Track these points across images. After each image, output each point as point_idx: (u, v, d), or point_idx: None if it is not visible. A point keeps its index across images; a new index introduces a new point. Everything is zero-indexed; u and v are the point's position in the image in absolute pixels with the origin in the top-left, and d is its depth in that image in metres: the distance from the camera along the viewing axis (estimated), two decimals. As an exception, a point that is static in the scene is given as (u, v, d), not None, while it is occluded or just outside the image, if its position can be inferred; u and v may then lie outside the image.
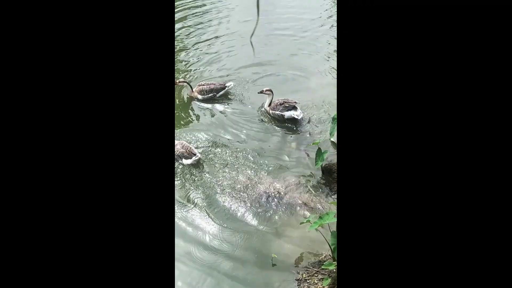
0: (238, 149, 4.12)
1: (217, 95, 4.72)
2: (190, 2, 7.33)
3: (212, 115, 4.64)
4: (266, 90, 4.43)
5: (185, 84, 4.74)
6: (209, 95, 4.67)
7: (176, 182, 3.76)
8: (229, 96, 4.87)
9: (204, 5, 7.27)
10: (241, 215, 3.51)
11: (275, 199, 3.63)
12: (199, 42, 6.10)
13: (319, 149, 3.59)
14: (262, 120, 4.53)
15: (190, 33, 6.40)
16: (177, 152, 3.86)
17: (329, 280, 2.86)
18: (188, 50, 5.93)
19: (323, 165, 3.70)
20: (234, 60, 5.64)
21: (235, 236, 3.34)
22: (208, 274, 3.04)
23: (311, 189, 3.72)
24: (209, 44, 6.03)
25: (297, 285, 2.96)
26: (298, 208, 3.54)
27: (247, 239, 3.33)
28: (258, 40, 5.96)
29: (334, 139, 3.97)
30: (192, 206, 3.58)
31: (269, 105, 4.44)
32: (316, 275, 3.04)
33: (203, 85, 4.73)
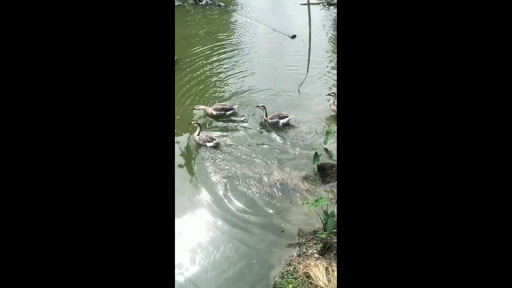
0: (252, 151, 5.09)
1: (226, 114, 5.76)
2: (225, 41, 8.52)
3: (225, 130, 5.63)
4: (260, 106, 5.59)
5: (196, 125, 5.57)
6: (221, 112, 5.74)
7: (208, 166, 4.76)
8: (240, 115, 5.91)
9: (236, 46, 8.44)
10: (258, 197, 4.30)
11: (284, 186, 4.48)
12: (231, 75, 7.22)
13: (316, 153, 4.55)
14: (268, 131, 5.53)
15: (223, 66, 7.51)
16: (203, 139, 5.08)
17: (321, 244, 3.53)
18: (220, 80, 7.03)
19: (318, 164, 4.59)
20: (251, 87, 6.77)
21: (254, 211, 4.08)
22: (228, 240, 3.73)
23: (310, 181, 4.54)
24: (235, 76, 7.14)
25: (299, 247, 3.63)
26: (301, 193, 4.36)
27: (262, 214, 4.07)
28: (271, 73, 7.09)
29: (327, 146, 5.00)
30: (217, 186, 4.48)
31: (266, 116, 5.52)
32: (312, 240, 3.69)
33: (218, 104, 5.84)
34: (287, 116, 5.56)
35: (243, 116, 5.97)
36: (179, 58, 7.76)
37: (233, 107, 5.86)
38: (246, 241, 3.79)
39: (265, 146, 5.28)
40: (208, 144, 5.18)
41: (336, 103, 5.64)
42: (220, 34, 9.15)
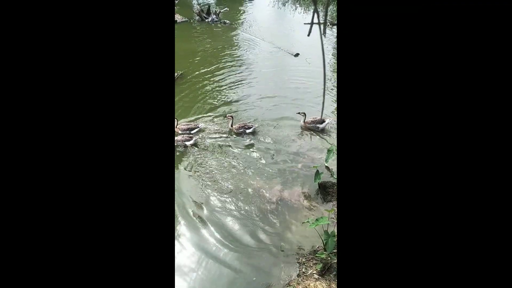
0: (247, 165, 5.07)
1: (192, 132, 5.71)
2: (231, 61, 8.69)
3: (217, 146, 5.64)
4: (229, 116, 5.86)
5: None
6: (186, 132, 5.68)
7: (196, 180, 4.67)
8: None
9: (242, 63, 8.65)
10: (256, 213, 4.27)
11: (284, 203, 4.46)
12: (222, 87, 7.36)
13: (317, 171, 4.54)
14: (264, 147, 5.56)
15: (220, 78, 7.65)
16: (181, 140, 5.20)
17: (321, 265, 3.52)
18: (219, 92, 7.15)
19: (319, 182, 4.57)
20: (247, 99, 6.91)
21: (252, 229, 4.07)
22: (225, 258, 3.64)
23: (310, 199, 4.55)
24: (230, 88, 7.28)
25: (298, 267, 3.61)
26: (301, 211, 4.34)
27: (261, 232, 4.05)
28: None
29: (328, 164, 5.03)
30: (211, 200, 4.41)
31: (232, 126, 5.77)
32: (311, 260, 3.68)
33: (183, 124, 5.81)
34: (252, 126, 5.87)
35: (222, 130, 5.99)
36: (183, 72, 7.85)
37: (198, 126, 5.85)
38: (244, 260, 3.74)
39: (262, 161, 5.29)
40: (188, 143, 5.37)
41: (306, 121, 5.77)
42: (224, 50, 9.32)
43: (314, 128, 5.80)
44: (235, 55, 9.10)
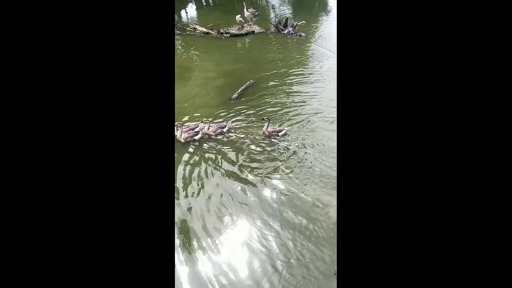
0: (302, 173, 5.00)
1: (196, 138, 5.70)
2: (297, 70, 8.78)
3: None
4: (205, 120, 5.89)
5: (179, 125, 5.71)
6: (190, 135, 5.68)
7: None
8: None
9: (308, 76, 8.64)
10: (308, 227, 4.10)
11: None
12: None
13: None
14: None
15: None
16: (187, 137, 5.37)
17: None
18: (278, 105, 7.19)
19: None
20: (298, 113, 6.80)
21: (303, 244, 3.95)
22: (272, 275, 3.59)
23: None
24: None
25: None
26: None
27: (313, 249, 3.89)
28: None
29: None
30: (261, 213, 4.33)
31: (208, 129, 5.83)
32: None
33: (185, 128, 5.82)
34: (226, 125, 6.06)
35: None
36: (255, 81, 8.07)
37: (198, 125, 5.86)
38: (290, 280, 3.66)
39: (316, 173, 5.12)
40: (197, 137, 5.61)
41: (269, 128, 5.87)
42: (296, 63, 9.36)
43: (275, 135, 5.97)
44: (307, 69, 9.08)
